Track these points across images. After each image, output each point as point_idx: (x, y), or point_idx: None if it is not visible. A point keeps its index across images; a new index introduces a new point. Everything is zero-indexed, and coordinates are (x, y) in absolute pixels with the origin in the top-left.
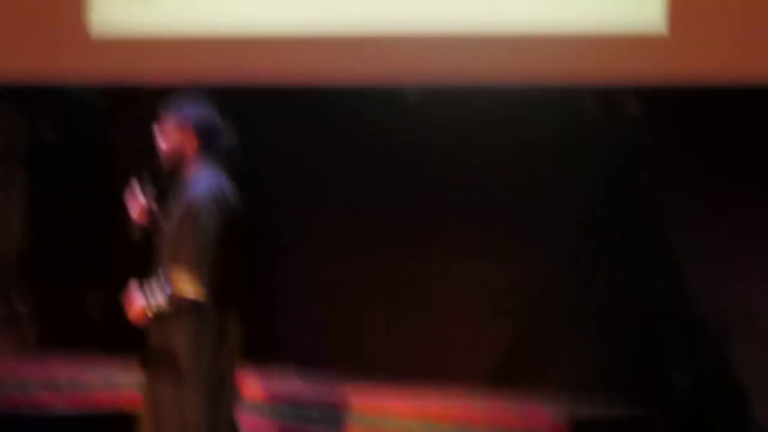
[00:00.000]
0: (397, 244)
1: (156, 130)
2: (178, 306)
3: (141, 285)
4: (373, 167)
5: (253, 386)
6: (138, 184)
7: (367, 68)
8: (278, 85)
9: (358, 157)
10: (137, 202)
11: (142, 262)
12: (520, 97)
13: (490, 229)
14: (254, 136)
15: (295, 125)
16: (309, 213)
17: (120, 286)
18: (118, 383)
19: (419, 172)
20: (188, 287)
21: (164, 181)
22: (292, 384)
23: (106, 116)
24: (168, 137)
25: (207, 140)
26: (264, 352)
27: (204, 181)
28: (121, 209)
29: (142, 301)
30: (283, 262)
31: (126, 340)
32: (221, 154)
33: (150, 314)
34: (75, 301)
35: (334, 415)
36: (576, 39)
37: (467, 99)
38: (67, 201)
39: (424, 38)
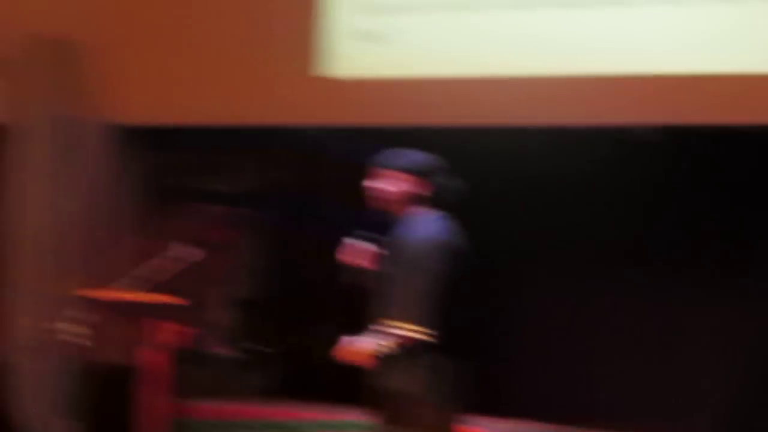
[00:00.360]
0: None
1: (374, 174)
2: (406, 348)
3: (367, 328)
4: (606, 212)
5: None
6: (360, 231)
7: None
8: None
9: (591, 201)
10: (361, 248)
11: (365, 307)
12: None
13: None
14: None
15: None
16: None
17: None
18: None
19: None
20: (413, 329)
21: (384, 225)
22: None
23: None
24: (388, 182)
25: (427, 184)
26: (493, 402)
27: (424, 224)
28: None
29: (370, 343)
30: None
31: (350, 383)
32: (443, 198)
33: (377, 357)
34: (315, 343)
35: None
36: None
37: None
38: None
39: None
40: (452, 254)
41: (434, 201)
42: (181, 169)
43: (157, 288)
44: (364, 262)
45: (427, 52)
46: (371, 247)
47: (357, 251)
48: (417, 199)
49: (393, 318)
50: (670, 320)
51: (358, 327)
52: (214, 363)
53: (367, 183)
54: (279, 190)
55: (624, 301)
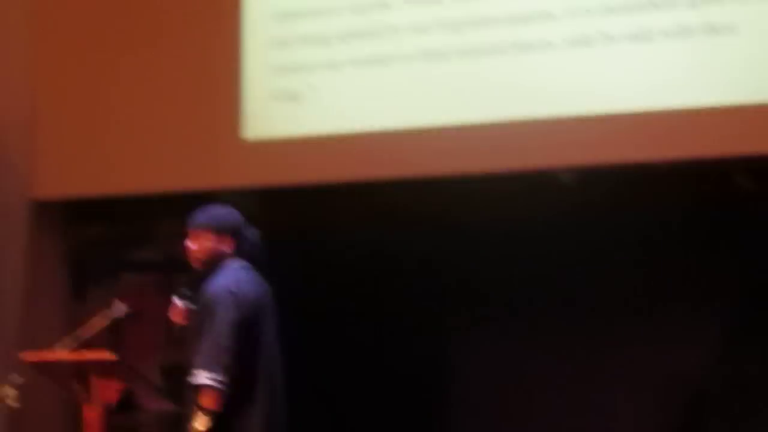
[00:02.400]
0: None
1: (188, 234)
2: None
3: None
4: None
5: None
6: (182, 289)
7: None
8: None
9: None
10: (177, 306)
11: None
12: None
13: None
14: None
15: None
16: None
17: None
18: None
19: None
20: (211, 377)
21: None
22: None
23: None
24: (199, 240)
25: (228, 239)
26: None
27: (223, 275)
28: None
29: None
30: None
31: None
32: (246, 250)
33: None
34: None
35: None
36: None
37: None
38: None
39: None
40: (248, 302)
41: (239, 253)
42: (111, 240)
43: (91, 346)
44: (179, 319)
45: (347, 107)
46: (183, 304)
47: (175, 309)
48: (220, 254)
49: (196, 366)
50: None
51: None
52: (148, 418)
53: (186, 243)
54: None
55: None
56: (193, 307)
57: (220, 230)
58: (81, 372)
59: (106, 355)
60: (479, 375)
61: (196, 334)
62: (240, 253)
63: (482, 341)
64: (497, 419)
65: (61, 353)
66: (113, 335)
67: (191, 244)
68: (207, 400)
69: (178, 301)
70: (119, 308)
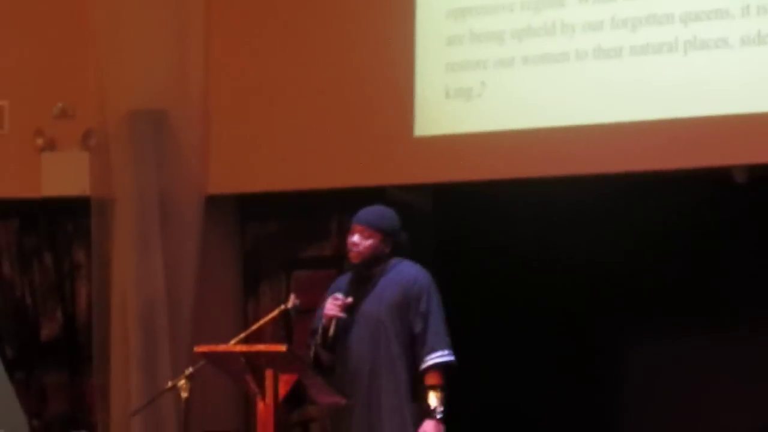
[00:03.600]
0: None
1: (353, 229)
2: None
3: None
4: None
5: None
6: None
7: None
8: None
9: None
10: (334, 300)
11: None
12: None
13: None
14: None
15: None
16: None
17: None
18: None
19: None
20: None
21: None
22: None
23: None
24: (364, 237)
25: (397, 240)
26: None
27: (412, 266)
28: None
29: None
30: None
31: None
32: (399, 253)
33: None
34: None
35: None
36: None
37: None
38: None
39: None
40: None
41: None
42: (283, 236)
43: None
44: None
45: (519, 104)
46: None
47: (336, 303)
48: (381, 253)
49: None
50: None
51: None
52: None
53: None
54: None
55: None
56: (349, 300)
57: (386, 230)
58: (254, 365)
59: (278, 347)
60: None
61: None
62: (396, 253)
63: (650, 339)
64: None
65: (234, 345)
66: (285, 330)
67: (357, 239)
68: (440, 378)
69: (340, 295)
70: (293, 302)
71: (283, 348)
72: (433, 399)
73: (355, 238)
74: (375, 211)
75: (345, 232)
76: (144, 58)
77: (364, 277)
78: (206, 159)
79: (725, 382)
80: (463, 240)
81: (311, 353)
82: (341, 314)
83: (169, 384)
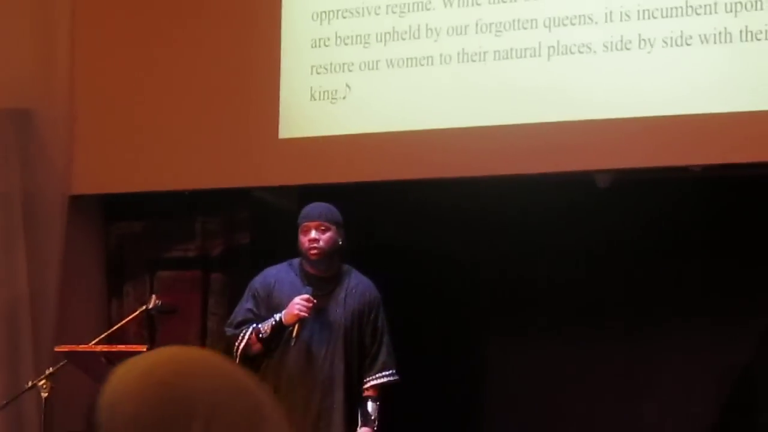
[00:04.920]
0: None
1: (313, 227)
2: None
3: None
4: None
5: None
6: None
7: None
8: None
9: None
10: (299, 301)
11: None
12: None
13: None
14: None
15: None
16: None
17: None
18: None
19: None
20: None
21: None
22: None
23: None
24: (326, 234)
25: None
26: None
27: (361, 274)
28: None
29: None
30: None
31: None
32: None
33: None
34: None
35: None
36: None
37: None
38: None
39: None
40: None
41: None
42: (147, 237)
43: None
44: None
45: (383, 107)
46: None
47: (305, 303)
48: (341, 248)
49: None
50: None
51: None
52: None
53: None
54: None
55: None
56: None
57: (339, 222)
58: (114, 364)
59: (138, 347)
60: (517, 378)
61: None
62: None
63: (519, 344)
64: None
65: (95, 345)
66: (148, 331)
67: (315, 235)
68: (380, 390)
69: (306, 295)
70: (155, 302)
71: (143, 348)
72: (372, 408)
73: (313, 234)
74: (323, 206)
75: (209, 232)
76: (6, 56)
77: (323, 279)
78: (71, 159)
79: (601, 382)
80: None
81: (241, 344)
82: (307, 315)
83: (29, 384)
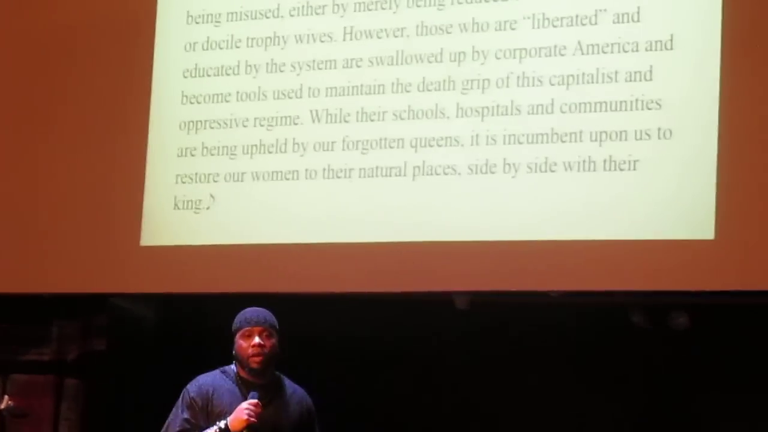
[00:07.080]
0: None
1: (251, 334)
2: None
3: None
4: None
5: None
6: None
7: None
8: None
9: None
10: (248, 406)
11: None
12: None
13: None
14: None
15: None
16: None
17: None
18: None
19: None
20: None
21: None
22: None
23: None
24: (270, 339)
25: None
26: None
27: (292, 383)
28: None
29: None
30: None
31: None
32: None
33: None
34: None
35: None
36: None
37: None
38: (118, 410)
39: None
40: None
41: None
42: (4, 339)
43: None
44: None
45: (247, 219)
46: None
47: (253, 408)
48: (279, 354)
49: None
50: None
51: None
52: None
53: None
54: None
55: None
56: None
57: (278, 328)
58: None
59: None
60: None
61: None
62: None
63: None
64: None
65: None
66: None
67: (260, 341)
68: None
69: (255, 400)
70: (6, 403)
71: None
72: None
73: (257, 339)
74: (263, 311)
75: (65, 337)
76: None
77: (262, 386)
78: None
79: None
80: (185, 350)
81: None
82: (256, 421)
83: None
